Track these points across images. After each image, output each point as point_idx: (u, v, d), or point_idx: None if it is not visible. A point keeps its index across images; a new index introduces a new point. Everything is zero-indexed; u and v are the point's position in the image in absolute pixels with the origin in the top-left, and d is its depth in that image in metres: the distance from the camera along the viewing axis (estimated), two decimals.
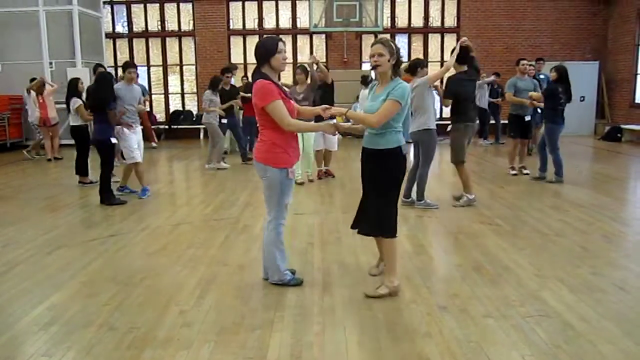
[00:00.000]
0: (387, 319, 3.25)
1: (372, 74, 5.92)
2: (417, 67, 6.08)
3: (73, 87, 8.01)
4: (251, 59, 15.06)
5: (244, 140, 10.06)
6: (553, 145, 7.42)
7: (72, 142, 8.32)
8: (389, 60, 3.40)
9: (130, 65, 6.85)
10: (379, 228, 3.56)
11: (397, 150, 3.47)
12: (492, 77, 12.53)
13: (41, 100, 10.48)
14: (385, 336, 3.02)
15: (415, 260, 4.36)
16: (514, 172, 8.25)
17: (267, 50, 3.49)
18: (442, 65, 14.93)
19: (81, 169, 7.92)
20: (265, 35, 3.25)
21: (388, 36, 15.15)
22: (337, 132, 3.75)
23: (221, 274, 4.06)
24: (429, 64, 14.34)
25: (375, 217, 3.55)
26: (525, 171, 8.17)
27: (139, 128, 6.96)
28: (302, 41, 15.38)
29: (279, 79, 3.70)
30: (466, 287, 3.74)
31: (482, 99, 12.00)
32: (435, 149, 6.09)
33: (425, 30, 15.15)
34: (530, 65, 8.53)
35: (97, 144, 6.64)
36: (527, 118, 8.02)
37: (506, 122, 8.60)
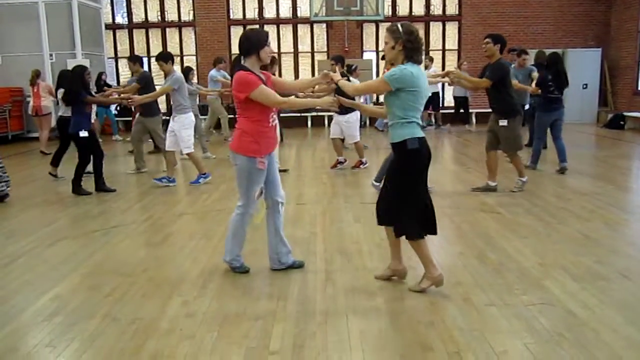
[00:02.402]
0: (389, 308, 3.25)
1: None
2: None
3: (62, 78, 7.85)
4: None
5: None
6: (538, 133, 7.59)
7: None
8: (393, 47, 3.31)
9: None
10: (387, 217, 3.51)
11: (402, 144, 3.33)
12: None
13: (35, 90, 10.61)
14: (388, 325, 3.03)
15: None
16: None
17: (258, 41, 3.54)
18: (443, 54, 15.04)
19: (55, 160, 7.81)
20: (250, 27, 3.32)
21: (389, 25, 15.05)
22: (337, 107, 3.67)
23: (223, 264, 4.05)
24: (430, 52, 14.32)
25: (386, 208, 3.49)
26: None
27: (178, 116, 6.92)
28: (303, 30, 15.28)
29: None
30: (469, 275, 3.73)
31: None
32: None
33: (427, 19, 15.03)
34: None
35: (71, 136, 6.82)
36: (526, 106, 8.04)
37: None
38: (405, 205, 3.38)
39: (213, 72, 10.84)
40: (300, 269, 3.89)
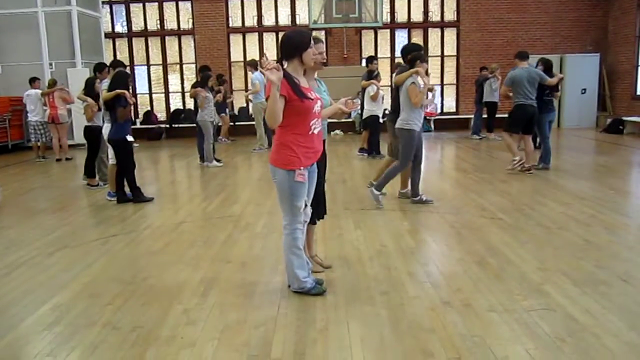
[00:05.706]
0: (390, 314, 3.24)
1: None
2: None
3: (89, 87, 7.68)
4: (251, 56, 15.03)
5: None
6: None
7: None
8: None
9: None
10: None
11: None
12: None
13: (51, 100, 10.67)
14: (388, 332, 3.02)
15: (418, 255, 4.36)
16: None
17: (300, 43, 3.26)
18: (442, 60, 15.08)
19: (89, 170, 7.82)
20: (295, 30, 3.03)
21: (388, 32, 15.14)
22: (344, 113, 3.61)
23: (224, 272, 4.06)
24: (430, 59, 14.34)
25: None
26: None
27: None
28: None
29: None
30: (469, 281, 3.73)
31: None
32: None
33: (425, 25, 15.09)
34: None
35: (114, 142, 6.56)
36: None
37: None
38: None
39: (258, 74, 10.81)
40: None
